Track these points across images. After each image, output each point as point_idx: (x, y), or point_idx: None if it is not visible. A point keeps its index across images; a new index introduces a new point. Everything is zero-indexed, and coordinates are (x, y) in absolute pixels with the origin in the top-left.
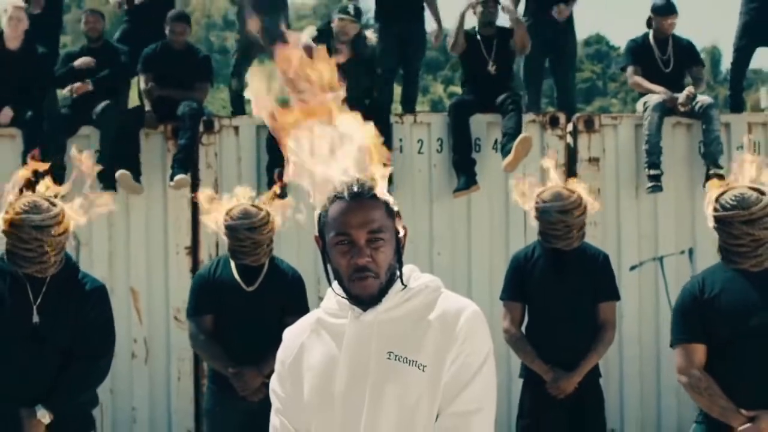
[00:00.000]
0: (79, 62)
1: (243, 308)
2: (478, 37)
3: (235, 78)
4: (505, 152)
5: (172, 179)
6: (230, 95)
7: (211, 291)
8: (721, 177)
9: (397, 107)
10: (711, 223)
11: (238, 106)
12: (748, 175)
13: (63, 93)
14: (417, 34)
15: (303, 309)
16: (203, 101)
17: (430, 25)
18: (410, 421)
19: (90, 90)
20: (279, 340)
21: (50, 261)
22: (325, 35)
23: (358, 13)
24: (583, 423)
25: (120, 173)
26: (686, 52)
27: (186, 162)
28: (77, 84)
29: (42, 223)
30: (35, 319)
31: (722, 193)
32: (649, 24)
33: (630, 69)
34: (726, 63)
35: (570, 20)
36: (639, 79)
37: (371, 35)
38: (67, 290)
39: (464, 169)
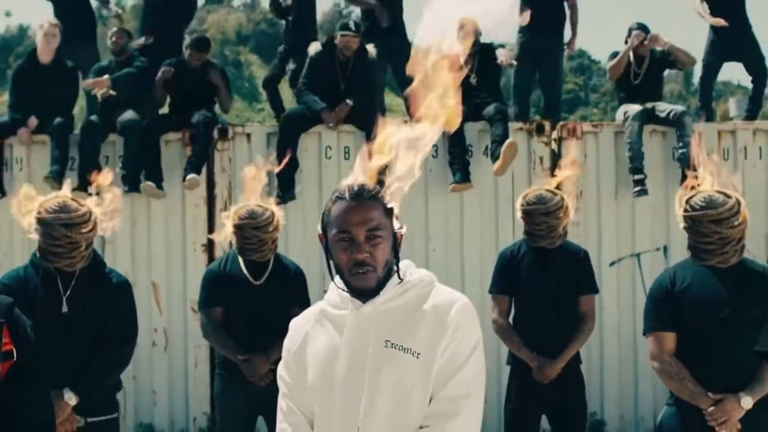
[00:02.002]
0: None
1: (250, 301)
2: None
3: (266, 89)
4: (494, 158)
5: (185, 180)
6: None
7: (221, 285)
8: (695, 177)
9: (392, 115)
10: (681, 224)
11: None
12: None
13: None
14: (400, 47)
15: (305, 301)
16: (228, 110)
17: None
18: (405, 404)
19: (110, 92)
20: (284, 329)
21: (78, 256)
22: (329, 49)
23: (358, 28)
24: (566, 406)
25: (145, 184)
26: (660, 60)
27: (198, 165)
28: (98, 87)
29: (70, 221)
30: (64, 309)
31: (692, 196)
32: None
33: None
34: (698, 76)
35: (560, 36)
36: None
37: (371, 49)
38: (94, 283)
39: (460, 167)
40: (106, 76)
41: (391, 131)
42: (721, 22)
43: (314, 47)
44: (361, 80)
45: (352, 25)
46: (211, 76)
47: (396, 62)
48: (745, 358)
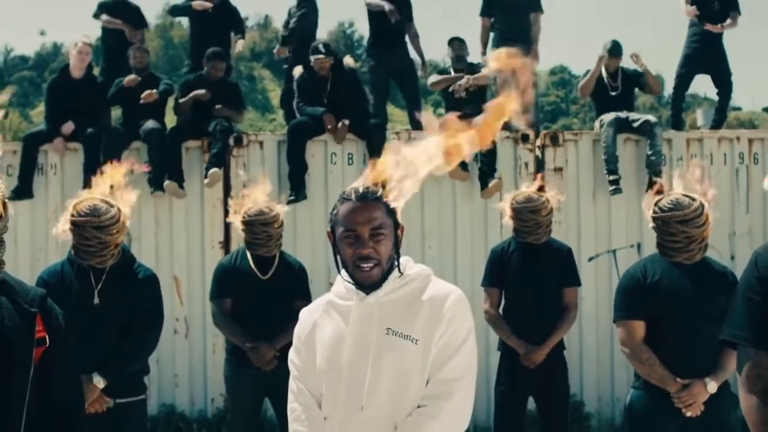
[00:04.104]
0: (127, 80)
1: (257, 293)
2: (452, 72)
3: (283, 108)
4: (482, 182)
5: (206, 177)
6: (285, 118)
7: (231, 278)
8: (656, 183)
9: (395, 126)
10: (651, 224)
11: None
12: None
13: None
14: (404, 64)
15: (307, 294)
16: (240, 122)
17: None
18: (404, 386)
19: (156, 98)
20: (287, 319)
21: (108, 254)
22: (310, 70)
23: (328, 48)
24: (550, 388)
25: (167, 183)
26: (632, 77)
27: (218, 164)
28: (146, 92)
29: (101, 223)
30: (96, 301)
31: (660, 199)
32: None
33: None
34: (668, 88)
35: (529, 48)
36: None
37: (349, 60)
38: (123, 278)
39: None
40: (155, 90)
41: (395, 150)
42: (716, 28)
43: (297, 71)
44: (344, 92)
45: (321, 47)
46: (215, 112)
47: (398, 77)
48: (707, 346)
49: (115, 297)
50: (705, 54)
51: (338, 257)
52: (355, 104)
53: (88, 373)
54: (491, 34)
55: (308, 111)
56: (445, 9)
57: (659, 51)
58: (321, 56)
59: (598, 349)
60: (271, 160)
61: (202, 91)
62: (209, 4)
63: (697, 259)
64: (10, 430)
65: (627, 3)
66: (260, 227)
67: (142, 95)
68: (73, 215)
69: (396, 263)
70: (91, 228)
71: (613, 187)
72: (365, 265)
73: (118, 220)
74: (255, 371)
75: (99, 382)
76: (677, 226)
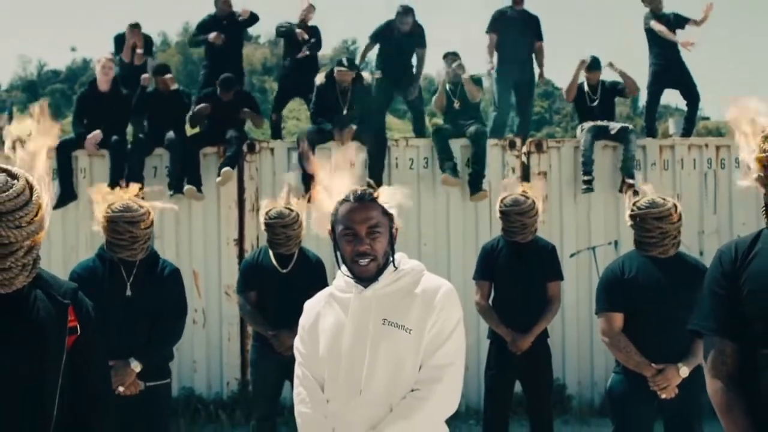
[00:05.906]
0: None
1: (279, 286)
2: (448, 87)
3: (274, 113)
4: (471, 187)
5: (219, 176)
6: (271, 125)
7: (255, 273)
8: (632, 185)
9: (393, 134)
10: (629, 222)
11: (277, 132)
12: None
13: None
14: (408, 80)
15: (324, 286)
16: (261, 125)
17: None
18: (399, 371)
19: (209, 111)
20: None
21: (139, 248)
22: (330, 81)
23: (351, 63)
24: (535, 373)
25: (187, 188)
26: (611, 89)
27: (230, 165)
28: (201, 106)
29: (132, 219)
30: (128, 293)
31: (637, 200)
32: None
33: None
34: (643, 101)
35: (531, 68)
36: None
37: (367, 76)
38: (152, 271)
39: (450, 166)
40: (175, 86)
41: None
42: (689, 42)
43: (319, 78)
44: (359, 104)
45: (345, 61)
46: (242, 115)
47: (405, 93)
48: (680, 334)
49: (145, 289)
50: (669, 70)
51: (338, 253)
52: (366, 116)
53: (123, 358)
54: (495, 53)
55: (320, 123)
56: (443, 24)
57: (636, 67)
58: (344, 69)
59: (578, 337)
60: (281, 166)
61: (206, 106)
62: (220, 39)
63: (671, 254)
64: (44, 410)
65: (606, 20)
66: (280, 229)
67: (196, 109)
68: (107, 212)
69: (391, 259)
70: (124, 223)
71: (586, 186)
72: (362, 261)
73: (148, 217)
74: (277, 356)
75: (136, 366)
76: (653, 222)
